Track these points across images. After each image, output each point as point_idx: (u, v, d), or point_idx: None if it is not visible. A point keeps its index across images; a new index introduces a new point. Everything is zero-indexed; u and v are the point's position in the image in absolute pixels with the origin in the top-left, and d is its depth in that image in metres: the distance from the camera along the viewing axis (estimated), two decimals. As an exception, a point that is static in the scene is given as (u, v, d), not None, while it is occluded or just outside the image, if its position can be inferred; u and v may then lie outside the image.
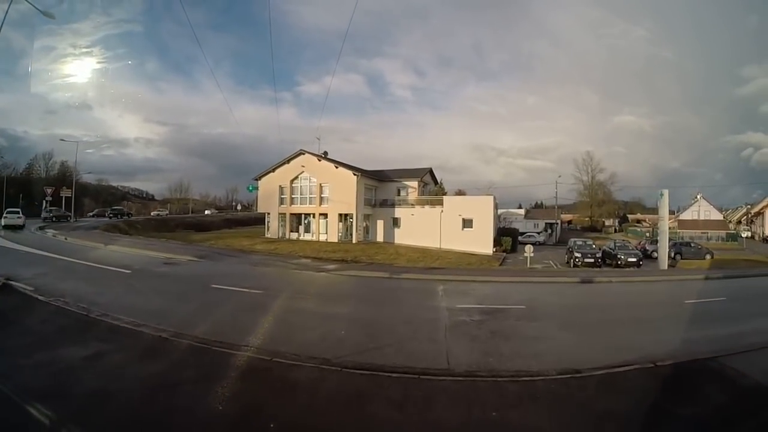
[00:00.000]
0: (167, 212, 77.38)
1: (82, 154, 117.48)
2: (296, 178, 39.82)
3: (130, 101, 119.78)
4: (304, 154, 39.68)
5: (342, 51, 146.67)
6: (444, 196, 42.05)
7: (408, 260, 27.57)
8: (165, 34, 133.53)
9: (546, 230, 64.23)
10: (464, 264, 27.40)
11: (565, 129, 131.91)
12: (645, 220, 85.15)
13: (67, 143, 75.71)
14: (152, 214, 76.27)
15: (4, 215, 35.58)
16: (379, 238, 40.52)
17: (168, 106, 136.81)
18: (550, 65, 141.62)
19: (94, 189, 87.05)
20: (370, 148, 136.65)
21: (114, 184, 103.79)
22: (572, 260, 29.49)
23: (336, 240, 37.33)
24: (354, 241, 37.06)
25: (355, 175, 37.26)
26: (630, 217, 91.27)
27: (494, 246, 37.08)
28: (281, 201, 40.55)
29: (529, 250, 27.67)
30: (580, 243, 32.85)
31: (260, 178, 41.94)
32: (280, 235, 39.98)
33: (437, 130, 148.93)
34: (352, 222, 38.29)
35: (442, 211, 38.30)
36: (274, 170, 40.87)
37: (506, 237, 40.89)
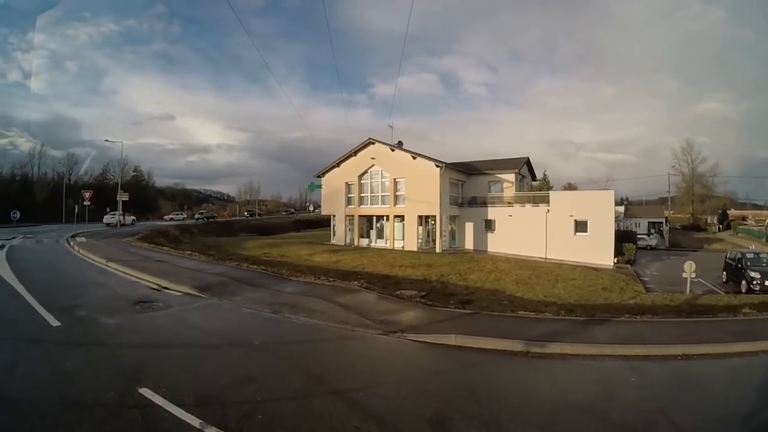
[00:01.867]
0: (256, 213, 76.35)
1: (165, 160, 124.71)
2: (365, 173, 32.91)
3: (210, 110, 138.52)
4: (374, 143, 32.75)
5: (411, 51, 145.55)
6: (550, 192, 33.23)
7: (516, 281, 20.06)
8: (237, 47, 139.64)
9: (652, 231, 52.59)
10: (598, 289, 19.25)
11: (644, 120, 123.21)
12: (748, 217, 71.15)
13: (141, 148, 77.26)
14: (245, 214, 77.49)
15: (105, 216, 43.18)
16: (468, 245, 33.01)
17: (246, 114, 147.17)
18: (624, 53, 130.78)
19: (170, 192, 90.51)
20: (445, 148, 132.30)
21: (197, 187, 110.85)
22: (748, 283, 19.94)
23: (415, 248, 30.10)
24: (438, 250, 29.80)
25: (437, 166, 29.86)
26: (730, 213, 75.18)
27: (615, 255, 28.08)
28: (348, 201, 34.07)
29: (689, 268, 18.41)
30: (751, 255, 22.71)
31: (323, 174, 35.63)
32: (347, 241, 33.39)
33: (511, 126, 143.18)
34: (434, 226, 30.67)
35: (548, 210, 29.74)
36: (339, 164, 34.27)
37: (628, 243, 31.51)
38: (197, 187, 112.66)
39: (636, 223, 53.90)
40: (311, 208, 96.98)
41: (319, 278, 13.96)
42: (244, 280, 13.65)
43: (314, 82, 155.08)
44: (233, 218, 67.55)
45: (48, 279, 13.61)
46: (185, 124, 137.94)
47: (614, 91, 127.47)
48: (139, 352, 7.23)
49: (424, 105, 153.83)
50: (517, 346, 8.34)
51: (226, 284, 12.96)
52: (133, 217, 49.35)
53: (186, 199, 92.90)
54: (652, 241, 46.37)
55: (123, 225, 42.30)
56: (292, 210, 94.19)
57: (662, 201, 67.98)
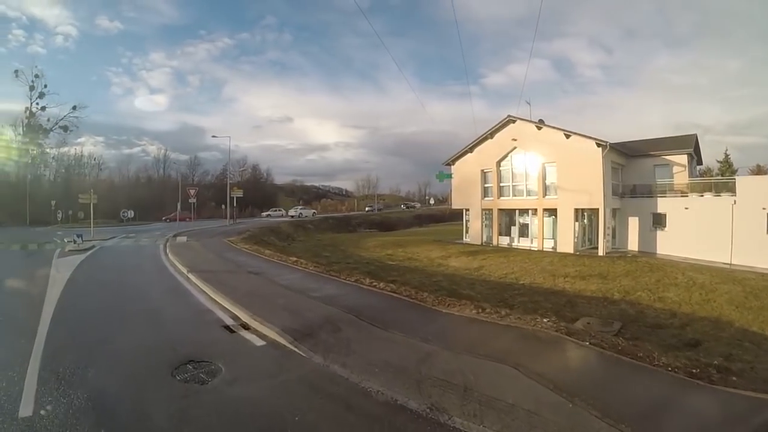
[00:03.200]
0: (376, 208, 74.06)
1: (286, 159, 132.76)
2: (505, 157, 27.21)
3: (326, 110, 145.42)
4: (514, 122, 26.92)
5: (521, 37, 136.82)
6: (736, 177, 24.57)
7: (733, 303, 13.59)
8: (347, 48, 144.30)
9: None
10: None
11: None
12: None
13: (262, 149, 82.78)
14: (365, 209, 76.44)
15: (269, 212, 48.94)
16: (631, 245, 25.67)
17: (361, 112, 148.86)
18: (749, 20, 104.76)
19: (290, 188, 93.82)
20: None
21: (316, 184, 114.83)
22: None
23: (570, 249, 23.86)
24: (600, 253, 23.24)
25: (599, 146, 23.14)
26: None
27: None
28: (485, 192, 28.51)
29: None
30: None
31: (454, 161, 30.41)
32: (484, 240, 27.97)
33: (629, 110, 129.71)
34: (592, 221, 24.18)
35: (734, 201, 21.34)
36: (472, 149, 28.95)
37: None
38: (316, 184, 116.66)
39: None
40: (431, 202, 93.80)
41: (482, 310, 8.28)
42: (367, 313, 8.02)
43: (425, 76, 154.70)
44: (351, 213, 65.95)
45: (93, 303, 10.18)
46: (303, 125, 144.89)
47: (741, 64, 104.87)
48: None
49: (538, 92, 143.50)
50: None
51: (338, 324, 7.54)
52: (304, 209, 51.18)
53: (305, 194, 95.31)
54: None
55: (236, 223, 41.14)
56: (415, 204, 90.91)
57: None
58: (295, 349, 6.48)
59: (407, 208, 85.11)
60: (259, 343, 6.97)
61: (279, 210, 60.58)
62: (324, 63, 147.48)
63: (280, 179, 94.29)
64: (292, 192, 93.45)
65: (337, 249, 23.39)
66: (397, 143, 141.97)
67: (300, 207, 64.81)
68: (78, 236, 21.96)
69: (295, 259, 16.03)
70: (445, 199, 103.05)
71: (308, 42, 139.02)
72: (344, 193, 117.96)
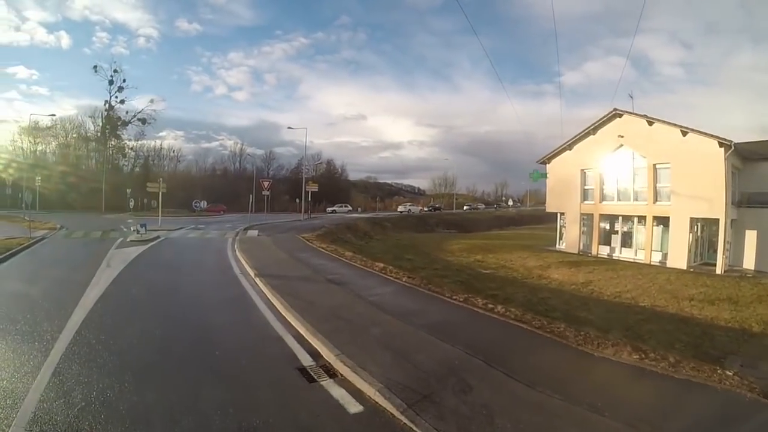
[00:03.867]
0: (437, 207, 72.09)
1: (359, 156, 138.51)
2: (609, 156, 24.57)
3: (400, 109, 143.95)
4: (620, 116, 24.27)
5: (597, 33, 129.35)
6: None
7: None
8: (421, 47, 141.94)
9: None
10: None
11: None
12: None
13: (336, 146, 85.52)
14: (399, 210, 76.28)
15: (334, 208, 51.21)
16: (747, 263, 22.01)
17: (435, 110, 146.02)
18: None
19: (363, 185, 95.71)
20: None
21: (389, 181, 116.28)
22: None
23: (683, 265, 20.95)
24: (718, 271, 20.30)
25: (722, 145, 20.15)
26: None
27: None
28: (584, 195, 25.73)
29: None
30: None
31: (549, 160, 27.91)
32: (581, 248, 25.60)
33: (711, 110, 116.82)
34: (708, 233, 21.47)
35: None
36: (571, 146, 26.44)
37: None
38: (389, 181, 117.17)
39: None
40: (509, 203, 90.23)
41: (644, 355, 6.00)
42: (497, 355, 6.16)
43: (499, 75, 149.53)
44: (423, 212, 64.33)
45: (129, 323, 7.77)
46: (376, 123, 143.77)
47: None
48: None
49: (616, 92, 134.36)
50: None
51: (464, 375, 5.46)
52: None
53: (378, 191, 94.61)
54: None
55: (311, 218, 41.10)
56: (478, 205, 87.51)
57: None
58: (413, 427, 4.30)
59: (485, 208, 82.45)
60: (354, 408, 4.75)
61: (345, 206, 60.62)
62: (398, 62, 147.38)
63: (353, 176, 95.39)
64: (366, 188, 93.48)
65: (420, 252, 22.09)
66: (470, 142, 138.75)
67: (409, 204, 68.93)
68: (141, 226, 20.68)
69: (381, 265, 13.84)
70: (520, 201, 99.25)
71: (382, 41, 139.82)
72: (416, 191, 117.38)
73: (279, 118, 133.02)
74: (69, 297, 9.16)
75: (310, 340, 6.78)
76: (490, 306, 8.88)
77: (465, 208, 78.25)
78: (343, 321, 7.62)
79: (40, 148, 63.47)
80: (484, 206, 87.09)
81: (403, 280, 11.71)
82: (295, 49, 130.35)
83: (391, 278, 12.05)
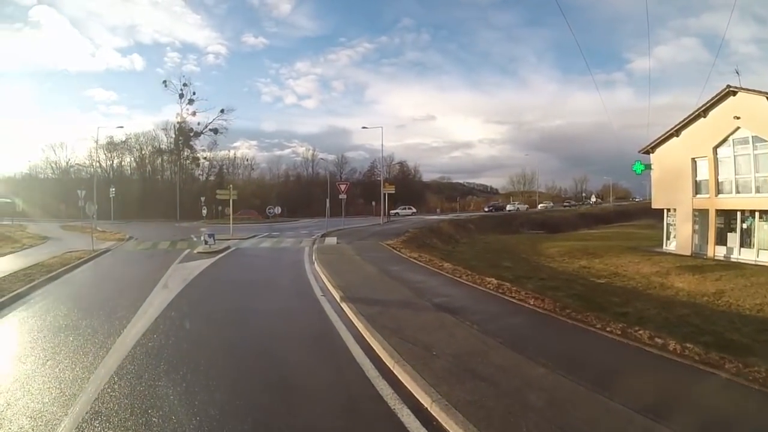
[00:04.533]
0: (498, 205, 69.34)
1: (430, 157, 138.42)
2: (725, 141, 21.33)
3: (468, 107, 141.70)
4: (735, 94, 21.09)
5: (664, 15, 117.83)
6: None
7: None
8: (485, 43, 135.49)
9: None
10: None
11: None
12: None
13: (407, 147, 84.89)
14: (539, 206, 74.94)
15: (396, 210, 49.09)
16: None
17: (503, 107, 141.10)
18: None
19: (437, 186, 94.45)
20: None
21: (461, 180, 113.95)
22: None
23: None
24: None
25: None
26: None
27: None
28: (697, 188, 22.56)
29: None
30: None
31: (653, 149, 24.94)
32: (693, 249, 22.33)
33: None
34: None
35: None
36: (678, 132, 23.46)
37: None
38: (461, 181, 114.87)
39: None
40: (592, 200, 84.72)
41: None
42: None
43: (565, 66, 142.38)
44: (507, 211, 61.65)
45: (179, 377, 5.48)
46: (446, 123, 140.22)
47: None
48: None
49: (689, 76, 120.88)
50: None
51: None
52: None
53: (452, 191, 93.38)
54: None
55: (390, 221, 40.00)
56: (547, 203, 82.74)
57: None
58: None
59: (569, 206, 78.13)
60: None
61: (409, 208, 59.23)
62: (462, 60, 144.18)
63: (426, 176, 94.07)
64: (439, 189, 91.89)
65: (516, 257, 20.36)
66: (542, 137, 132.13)
67: (518, 203, 68.98)
68: (210, 236, 19.28)
69: (494, 282, 11.15)
70: (602, 197, 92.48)
71: (446, 40, 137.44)
72: (488, 189, 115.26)
73: (348, 123, 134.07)
74: (100, 340, 7.06)
75: (441, 420, 4.29)
76: (658, 340, 6.59)
77: (541, 206, 75.19)
78: (483, 382, 5.01)
79: (116, 161, 69.43)
80: (551, 204, 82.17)
81: (530, 303, 9.17)
82: (360, 55, 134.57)
83: (514, 300, 9.52)
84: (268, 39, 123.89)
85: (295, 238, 24.62)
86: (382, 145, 45.29)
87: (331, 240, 22.63)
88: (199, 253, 17.93)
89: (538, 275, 14.98)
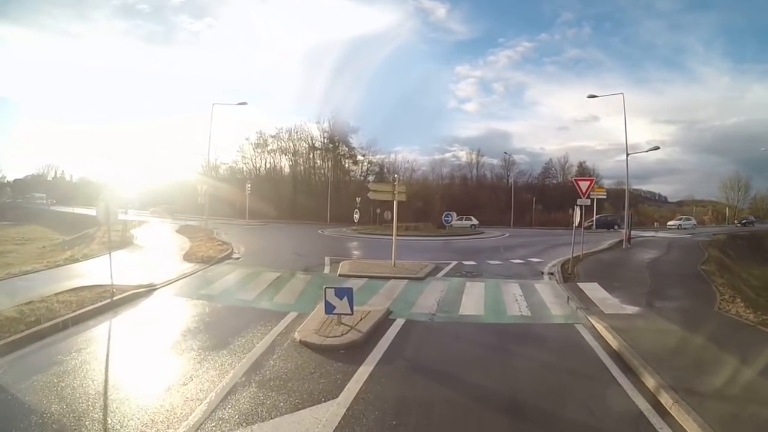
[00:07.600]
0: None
1: (597, 161, 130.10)
2: None
3: (633, 106, 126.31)
4: None
5: None
6: None
7: None
8: (648, 34, 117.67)
9: None
10: None
11: None
12: None
13: (570, 151, 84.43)
14: (735, 223, 62.26)
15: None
16: None
17: (671, 104, 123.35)
18: None
19: (614, 193, 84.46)
20: None
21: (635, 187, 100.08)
22: None
23: None
24: None
25: None
26: None
27: None
28: None
29: None
30: None
31: None
32: None
33: None
34: None
35: None
36: None
37: None
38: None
39: None
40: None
41: None
42: None
43: (737, 55, 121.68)
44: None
45: None
46: (610, 124, 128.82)
47: None
48: None
49: None
50: None
51: None
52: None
53: (619, 200, 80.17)
54: None
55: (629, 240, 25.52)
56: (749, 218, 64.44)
57: None
58: None
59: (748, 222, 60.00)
60: None
61: (469, 218, 47.75)
62: (625, 54, 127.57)
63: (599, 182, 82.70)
64: (616, 196, 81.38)
65: None
66: (715, 138, 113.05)
67: (684, 217, 57.22)
68: (342, 296, 7.60)
69: None
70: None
71: (607, 34, 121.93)
72: (656, 197, 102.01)
73: (507, 126, 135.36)
74: None
75: None
76: None
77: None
78: None
79: (268, 159, 70.79)
80: (752, 218, 64.82)
81: None
82: (520, 55, 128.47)
83: None
84: (427, 45, 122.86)
85: (514, 262, 17.27)
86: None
87: (597, 293, 11.16)
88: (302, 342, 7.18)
89: None
